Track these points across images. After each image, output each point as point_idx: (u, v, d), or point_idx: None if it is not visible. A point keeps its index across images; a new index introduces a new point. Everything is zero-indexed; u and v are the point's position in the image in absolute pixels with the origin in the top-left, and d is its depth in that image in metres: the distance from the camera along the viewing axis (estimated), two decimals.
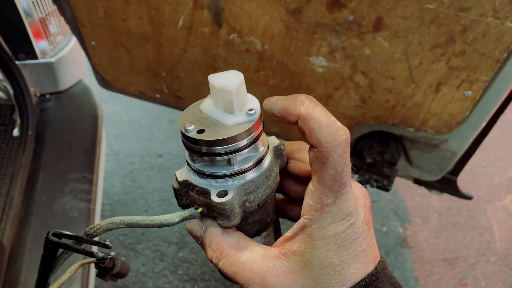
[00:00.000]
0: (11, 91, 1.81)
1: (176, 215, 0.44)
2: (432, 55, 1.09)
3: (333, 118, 0.39)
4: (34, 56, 1.89)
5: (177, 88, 1.63)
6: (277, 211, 0.51)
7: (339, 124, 0.38)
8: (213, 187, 0.42)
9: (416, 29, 1.06)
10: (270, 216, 0.49)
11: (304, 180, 0.47)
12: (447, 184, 1.63)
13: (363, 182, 1.60)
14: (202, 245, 0.46)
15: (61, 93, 2.03)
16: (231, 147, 0.40)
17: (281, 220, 0.53)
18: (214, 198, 0.41)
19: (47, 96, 2.02)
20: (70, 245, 0.43)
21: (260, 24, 1.24)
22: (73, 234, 0.43)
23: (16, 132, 1.81)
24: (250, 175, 0.42)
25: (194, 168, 0.43)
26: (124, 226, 0.43)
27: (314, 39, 1.20)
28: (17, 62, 1.79)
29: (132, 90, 1.77)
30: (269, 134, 0.47)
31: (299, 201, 0.43)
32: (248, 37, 1.29)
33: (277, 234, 0.52)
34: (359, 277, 0.40)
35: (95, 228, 0.43)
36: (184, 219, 0.45)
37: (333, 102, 1.35)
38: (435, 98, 1.18)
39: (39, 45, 1.88)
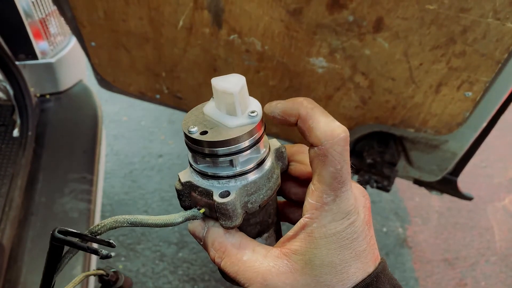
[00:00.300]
0: (11, 92, 1.81)
1: (179, 215, 0.45)
2: (433, 55, 1.09)
3: (331, 118, 0.40)
4: (34, 57, 1.89)
5: (177, 88, 1.63)
6: (278, 213, 0.52)
7: (337, 123, 0.39)
8: (216, 188, 0.42)
9: (416, 29, 1.06)
10: (272, 217, 0.49)
11: (304, 182, 0.47)
12: (447, 185, 1.63)
13: (363, 182, 1.60)
14: (205, 246, 0.46)
15: (61, 93, 2.03)
16: (233, 148, 0.41)
17: (282, 223, 0.54)
18: (217, 198, 0.41)
19: (47, 96, 2.02)
20: (76, 243, 0.43)
21: (260, 24, 1.24)
22: (78, 232, 0.44)
23: (16, 132, 1.81)
24: (252, 176, 0.43)
25: (197, 169, 0.44)
26: (128, 224, 0.43)
27: (314, 39, 1.20)
28: (17, 63, 1.79)
29: (132, 91, 1.77)
30: (270, 135, 0.48)
31: (300, 204, 0.43)
32: (248, 37, 1.29)
33: (278, 236, 0.52)
34: (360, 277, 0.40)
35: (99, 226, 0.44)
36: (187, 219, 0.45)
37: (333, 102, 1.35)
38: (436, 99, 1.18)
39: (39, 45, 1.88)
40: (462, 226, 2.65)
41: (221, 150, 0.41)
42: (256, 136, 0.42)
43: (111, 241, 0.43)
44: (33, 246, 1.48)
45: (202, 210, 0.45)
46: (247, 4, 1.20)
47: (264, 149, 0.44)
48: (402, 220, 2.68)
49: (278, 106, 0.42)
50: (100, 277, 0.60)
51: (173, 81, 1.61)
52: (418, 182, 1.68)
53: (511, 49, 0.99)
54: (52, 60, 1.93)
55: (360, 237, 0.40)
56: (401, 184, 2.86)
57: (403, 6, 1.02)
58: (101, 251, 0.43)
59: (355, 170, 1.62)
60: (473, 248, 2.53)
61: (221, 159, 0.41)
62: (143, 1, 1.35)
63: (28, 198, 1.61)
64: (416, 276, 2.38)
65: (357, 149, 1.58)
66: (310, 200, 0.41)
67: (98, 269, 0.60)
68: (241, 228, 0.46)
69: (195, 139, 0.41)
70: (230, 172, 0.42)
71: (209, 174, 0.43)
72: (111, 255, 0.44)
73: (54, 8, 1.88)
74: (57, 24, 1.95)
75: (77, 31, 1.61)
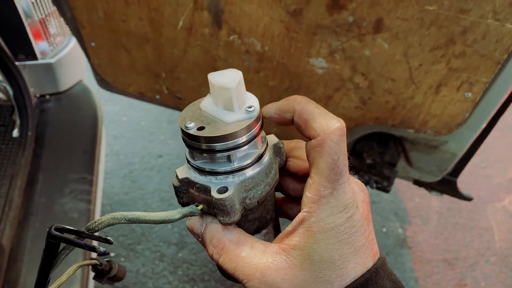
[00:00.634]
0: (10, 92, 1.81)
1: (177, 211, 0.45)
2: (432, 56, 1.09)
3: (326, 111, 0.40)
4: (34, 57, 1.89)
5: (177, 89, 1.63)
6: (277, 210, 0.52)
7: (332, 115, 0.40)
8: (213, 184, 0.42)
9: (416, 30, 1.06)
10: (270, 213, 0.49)
11: (303, 178, 0.47)
12: (447, 185, 1.63)
13: (363, 183, 1.60)
14: (203, 242, 0.46)
15: (61, 94, 2.03)
16: (230, 143, 0.41)
17: (280, 220, 0.54)
18: (215, 194, 0.41)
19: (47, 97, 2.01)
20: (72, 240, 0.43)
21: (260, 25, 1.24)
22: (75, 229, 0.43)
23: (15, 133, 1.81)
24: (249, 172, 0.43)
25: (195, 166, 0.44)
26: (125, 221, 0.43)
27: (314, 40, 1.20)
28: (16, 63, 1.79)
29: (132, 91, 1.77)
30: (268, 133, 0.48)
31: (298, 199, 0.43)
32: (248, 38, 1.29)
33: (277, 232, 0.52)
34: (359, 272, 0.40)
35: (96, 223, 0.43)
36: (185, 216, 0.45)
37: (333, 103, 1.35)
38: (435, 99, 1.18)
39: (38, 46, 1.88)
40: (462, 227, 2.65)
41: (218, 145, 0.41)
42: (254, 131, 0.42)
43: (108, 237, 0.43)
44: (32, 246, 1.48)
45: (200, 207, 0.45)
46: (247, 5, 1.20)
47: (262, 145, 0.44)
48: (402, 221, 2.68)
49: (273, 106, 0.43)
50: (94, 267, 0.60)
51: (173, 82, 1.61)
52: (418, 182, 1.68)
53: (510, 50, 0.99)
54: (52, 60, 1.93)
55: (359, 232, 0.40)
56: (401, 185, 2.86)
57: (403, 7, 1.02)
58: (99, 248, 0.43)
59: (355, 170, 1.62)
60: (473, 249, 2.53)
61: (218, 154, 0.41)
62: (143, 2, 1.35)
63: (28, 199, 1.61)
64: (416, 276, 2.39)
65: (357, 150, 1.58)
66: (308, 194, 0.40)
67: (91, 259, 0.60)
68: (239, 224, 0.46)
69: (192, 134, 0.41)
70: (227, 168, 0.42)
71: (207, 170, 0.43)
72: (108, 252, 0.44)
73: (54, 8, 1.88)
74: (57, 25, 1.95)
75: (77, 32, 1.61)
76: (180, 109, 1.72)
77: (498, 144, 3.17)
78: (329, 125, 0.39)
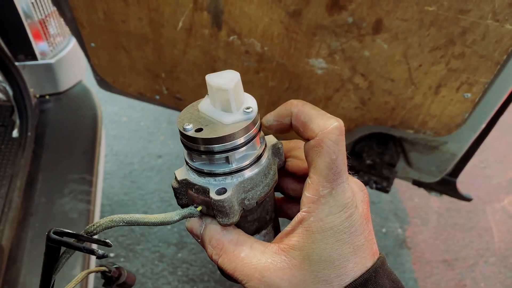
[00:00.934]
0: (10, 92, 1.81)
1: (176, 213, 0.45)
2: (432, 57, 1.09)
3: (323, 111, 0.40)
4: (34, 57, 1.88)
5: (176, 89, 1.63)
6: (276, 210, 0.52)
7: (329, 115, 0.40)
8: (212, 185, 0.42)
9: (415, 31, 1.06)
10: (269, 214, 0.49)
11: (302, 178, 0.47)
12: (446, 186, 1.63)
13: (363, 183, 1.60)
14: (202, 243, 0.46)
15: (61, 94, 2.03)
16: (228, 145, 0.41)
17: (280, 220, 0.54)
18: (213, 195, 0.41)
19: (47, 97, 2.01)
20: (71, 243, 0.43)
21: (260, 26, 1.24)
22: (74, 232, 0.44)
23: (15, 133, 1.81)
24: (248, 173, 0.43)
25: (193, 167, 0.44)
26: (123, 224, 0.43)
27: (314, 41, 1.20)
28: (16, 63, 1.79)
29: (132, 91, 1.77)
30: (267, 134, 0.48)
31: (298, 200, 0.43)
32: (247, 38, 1.29)
33: (277, 232, 0.52)
34: (359, 272, 0.40)
35: (95, 226, 0.43)
36: (184, 217, 0.45)
37: (333, 104, 1.35)
38: (435, 100, 1.18)
39: (38, 46, 1.88)
40: (461, 227, 2.65)
41: (216, 147, 0.41)
42: (252, 132, 0.42)
43: (107, 240, 0.43)
44: (32, 246, 1.48)
45: (199, 208, 0.45)
46: (247, 5, 1.20)
47: (260, 145, 0.44)
48: (401, 221, 2.68)
49: (272, 113, 0.44)
50: (103, 274, 0.60)
51: (172, 82, 1.61)
52: (417, 183, 1.68)
53: (510, 51, 1.00)
54: (52, 60, 1.93)
55: (358, 231, 0.40)
56: (400, 185, 2.86)
57: (402, 8, 1.03)
58: (97, 251, 0.43)
59: (355, 171, 1.62)
60: (472, 249, 2.53)
61: (216, 156, 0.41)
62: (143, 2, 1.35)
63: (28, 199, 1.61)
64: (415, 276, 2.39)
65: (356, 150, 1.58)
66: (307, 194, 0.41)
67: (100, 265, 0.60)
68: (238, 225, 0.46)
69: (190, 136, 0.41)
70: (226, 169, 0.42)
71: (205, 171, 0.43)
72: (107, 255, 0.44)
73: (54, 9, 1.88)
74: (57, 25, 1.95)
75: (76, 32, 1.61)
76: (179, 109, 1.72)
77: (498, 144, 3.17)
78: (327, 125, 0.39)
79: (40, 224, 1.55)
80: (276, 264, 0.41)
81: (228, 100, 0.41)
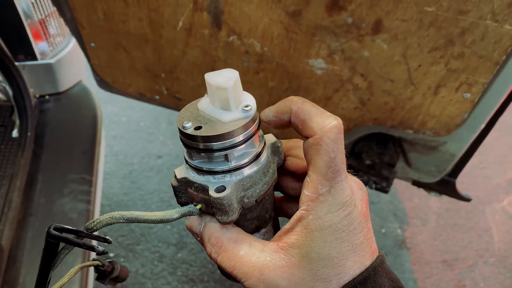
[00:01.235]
0: (10, 92, 1.81)
1: (175, 211, 0.45)
2: (431, 57, 1.09)
3: (322, 109, 0.40)
4: (34, 57, 1.89)
5: (176, 89, 1.63)
6: (276, 209, 0.52)
7: (329, 113, 0.40)
8: (211, 183, 0.43)
9: (415, 31, 1.06)
10: (269, 213, 0.49)
11: (301, 177, 0.47)
12: (446, 186, 1.63)
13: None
14: (201, 241, 0.46)
15: (61, 94, 2.03)
16: (227, 142, 0.41)
17: (280, 219, 0.54)
18: (212, 193, 0.42)
19: (47, 97, 2.02)
20: (71, 239, 0.43)
21: (260, 26, 1.24)
22: (74, 228, 0.44)
23: (15, 133, 1.81)
24: (247, 171, 0.43)
25: (192, 165, 0.44)
26: (123, 221, 0.43)
27: (313, 41, 1.20)
28: (16, 63, 1.79)
29: (131, 92, 1.77)
30: (267, 133, 0.48)
31: (297, 199, 0.43)
32: (247, 39, 1.29)
33: (276, 231, 0.52)
34: (357, 270, 0.40)
35: (95, 222, 0.44)
36: (183, 215, 0.45)
37: (332, 104, 1.35)
38: (434, 100, 1.19)
39: (38, 46, 1.88)
40: (460, 227, 2.65)
41: (215, 144, 0.41)
42: (251, 130, 0.42)
43: (107, 237, 0.43)
44: (32, 246, 1.48)
45: (199, 206, 0.45)
46: (247, 5, 1.20)
47: (259, 144, 0.44)
48: (400, 221, 2.69)
49: (271, 109, 0.44)
50: (96, 268, 0.60)
51: (172, 82, 1.61)
52: (416, 183, 1.68)
53: (509, 51, 1.00)
54: (52, 61, 1.93)
55: (357, 230, 0.40)
56: (400, 185, 2.87)
57: (402, 8, 1.03)
58: (97, 247, 0.43)
59: (354, 171, 1.62)
60: (471, 250, 2.53)
61: (216, 153, 0.42)
62: (143, 2, 1.35)
63: (27, 199, 1.61)
64: (415, 277, 2.39)
65: (356, 151, 1.58)
66: (306, 192, 0.41)
67: (93, 259, 0.60)
68: (238, 223, 0.46)
69: (189, 134, 0.42)
70: (225, 167, 0.42)
71: (205, 169, 0.43)
72: (107, 252, 0.44)
73: (54, 9, 1.88)
74: (57, 25, 1.95)
75: (76, 32, 1.61)
76: (179, 109, 1.71)
77: (497, 144, 3.17)
78: (325, 123, 0.39)
79: (39, 224, 1.55)
80: (275, 262, 0.41)
81: (227, 99, 0.41)
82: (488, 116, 1.25)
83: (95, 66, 1.73)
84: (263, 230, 0.49)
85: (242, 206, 0.44)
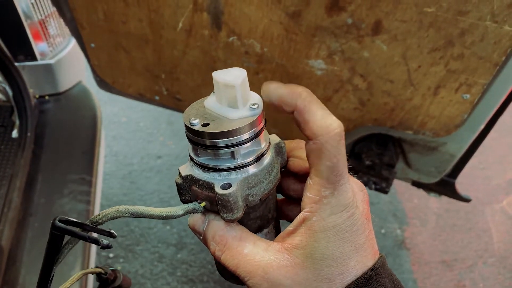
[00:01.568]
0: (10, 93, 1.81)
1: (180, 208, 0.45)
2: (431, 58, 1.09)
3: (327, 111, 0.40)
4: (33, 58, 1.89)
5: (176, 90, 1.63)
6: (278, 209, 0.52)
7: (333, 117, 0.40)
8: (217, 180, 0.43)
9: (415, 32, 1.06)
10: (271, 213, 0.50)
11: (303, 178, 0.48)
12: (445, 186, 1.64)
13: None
14: (205, 240, 0.46)
15: (60, 94, 2.03)
16: (234, 139, 0.41)
17: (280, 222, 0.54)
18: (218, 190, 0.42)
19: (46, 97, 2.02)
20: (76, 232, 0.43)
21: (260, 27, 1.24)
22: (79, 221, 0.44)
23: (15, 133, 1.81)
24: (252, 169, 0.43)
25: (198, 162, 0.44)
26: (128, 215, 0.43)
27: (313, 42, 1.20)
28: (16, 64, 1.79)
29: (131, 92, 1.77)
30: (269, 133, 0.48)
31: (298, 201, 0.44)
32: (247, 39, 1.29)
33: (278, 232, 0.52)
34: (360, 270, 0.40)
35: (100, 216, 0.43)
36: (188, 212, 0.45)
37: (332, 104, 1.35)
38: (434, 101, 1.19)
39: (38, 46, 1.88)
40: (460, 228, 2.66)
41: (222, 141, 0.41)
42: (257, 128, 0.43)
43: (112, 231, 0.43)
44: (32, 247, 1.48)
45: (203, 204, 0.45)
46: (247, 6, 1.20)
47: (265, 143, 0.45)
48: (400, 222, 2.69)
49: (276, 91, 0.40)
50: (98, 276, 0.60)
51: (172, 83, 1.61)
52: (416, 184, 1.68)
53: (509, 52, 1.00)
54: (52, 61, 1.93)
55: (360, 230, 0.41)
56: (399, 186, 2.87)
57: (401, 9, 1.03)
58: (102, 240, 0.43)
59: (354, 172, 1.63)
60: (471, 250, 2.53)
61: (222, 150, 0.42)
62: (143, 3, 1.35)
63: (27, 199, 1.61)
64: (414, 277, 2.39)
65: (355, 151, 1.58)
66: (309, 194, 0.41)
67: (96, 267, 0.60)
68: (241, 222, 0.46)
69: (196, 130, 0.42)
70: (231, 164, 0.42)
71: (210, 166, 0.43)
72: (111, 245, 0.44)
73: (54, 9, 1.88)
74: (57, 25, 1.95)
75: (76, 33, 1.61)
76: (179, 110, 1.72)
77: (497, 145, 3.18)
78: (328, 130, 0.39)
79: (39, 225, 1.55)
80: (279, 262, 0.41)
81: (235, 96, 0.42)
82: (487, 117, 1.26)
83: (95, 67, 1.73)
84: (265, 231, 0.50)
85: (247, 205, 0.44)
